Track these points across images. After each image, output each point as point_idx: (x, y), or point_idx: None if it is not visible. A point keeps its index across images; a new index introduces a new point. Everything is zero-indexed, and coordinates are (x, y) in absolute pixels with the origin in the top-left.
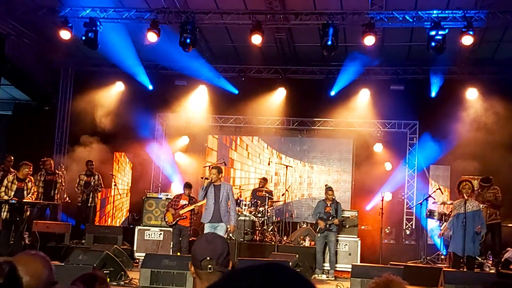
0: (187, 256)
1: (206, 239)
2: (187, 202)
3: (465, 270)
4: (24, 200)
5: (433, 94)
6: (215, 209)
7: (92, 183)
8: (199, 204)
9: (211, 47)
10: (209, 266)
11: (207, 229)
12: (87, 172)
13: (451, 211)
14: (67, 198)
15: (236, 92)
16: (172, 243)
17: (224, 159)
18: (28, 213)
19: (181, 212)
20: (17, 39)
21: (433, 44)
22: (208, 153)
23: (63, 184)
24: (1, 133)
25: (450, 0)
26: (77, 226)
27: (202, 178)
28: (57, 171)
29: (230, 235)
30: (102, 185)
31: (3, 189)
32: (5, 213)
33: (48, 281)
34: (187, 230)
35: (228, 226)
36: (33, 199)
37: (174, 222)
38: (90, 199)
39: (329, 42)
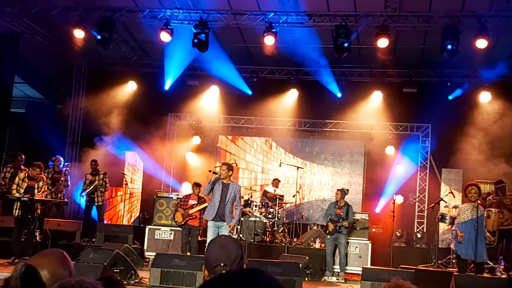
0: (197, 256)
1: (219, 244)
2: (196, 202)
3: (479, 275)
4: (36, 198)
5: (450, 97)
6: (219, 207)
7: (96, 182)
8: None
9: (223, 47)
10: (223, 271)
11: (210, 227)
12: (92, 172)
13: (458, 215)
14: (65, 198)
15: (250, 93)
16: (181, 242)
17: (235, 159)
18: (39, 211)
19: (190, 212)
20: (31, 38)
21: (449, 47)
22: (219, 153)
23: (67, 183)
24: (14, 131)
25: (465, 4)
26: (86, 224)
27: (210, 171)
28: (63, 170)
29: (241, 235)
30: (108, 184)
31: (14, 186)
32: (17, 211)
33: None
34: (197, 230)
35: (229, 225)
36: (43, 197)
37: (183, 222)
38: (96, 198)
39: (346, 44)
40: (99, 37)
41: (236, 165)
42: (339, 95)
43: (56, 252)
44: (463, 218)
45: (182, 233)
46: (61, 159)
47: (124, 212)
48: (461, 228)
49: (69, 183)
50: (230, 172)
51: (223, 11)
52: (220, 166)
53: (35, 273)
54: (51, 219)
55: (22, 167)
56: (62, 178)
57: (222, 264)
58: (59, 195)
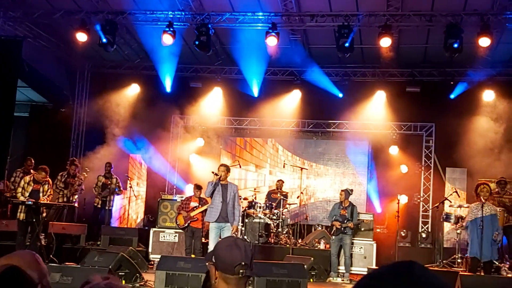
0: (201, 258)
1: (235, 244)
2: (197, 204)
3: (482, 274)
4: (41, 201)
5: (452, 96)
6: (222, 208)
7: (109, 186)
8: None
9: (226, 49)
10: (242, 271)
11: (213, 228)
12: (105, 174)
13: (467, 214)
14: (76, 203)
15: (257, 95)
16: (185, 245)
17: (239, 161)
18: (44, 214)
19: (192, 214)
20: (34, 41)
21: (456, 45)
22: (223, 155)
23: (81, 188)
24: (18, 135)
25: (467, 2)
26: (91, 227)
27: (213, 172)
28: (78, 174)
29: (245, 237)
30: (121, 188)
31: (19, 190)
32: (21, 214)
33: (36, 285)
34: (200, 231)
35: (232, 227)
36: (48, 201)
37: (186, 225)
38: (107, 202)
39: (347, 44)
40: (104, 40)
41: (240, 166)
42: (340, 95)
43: (25, 253)
44: (470, 216)
45: (185, 235)
46: (78, 164)
47: (128, 215)
48: (470, 227)
49: (83, 187)
50: (228, 173)
51: (225, 12)
52: (218, 168)
53: (21, 275)
54: (56, 222)
55: (32, 171)
56: (76, 183)
57: (242, 263)
58: (71, 199)
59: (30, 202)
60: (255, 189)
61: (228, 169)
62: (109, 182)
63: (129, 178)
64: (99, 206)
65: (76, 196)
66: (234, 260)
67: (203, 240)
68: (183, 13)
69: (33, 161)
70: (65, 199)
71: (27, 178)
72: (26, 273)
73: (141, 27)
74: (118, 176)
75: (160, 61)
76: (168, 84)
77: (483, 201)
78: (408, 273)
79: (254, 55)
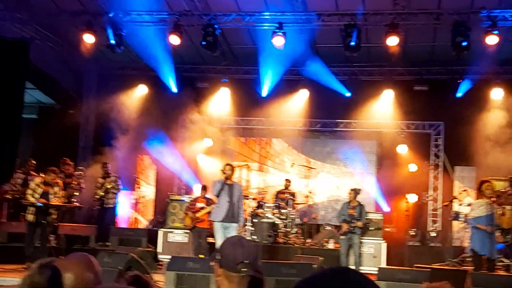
0: (210, 258)
1: (240, 243)
2: (204, 205)
3: (490, 272)
4: (50, 203)
5: (459, 94)
6: (229, 208)
7: (107, 185)
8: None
9: (232, 48)
10: (244, 269)
11: (218, 228)
12: (103, 175)
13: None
14: (75, 203)
15: (266, 94)
16: (193, 245)
17: (246, 161)
18: (54, 216)
19: (197, 215)
20: (41, 43)
21: (464, 44)
22: (231, 155)
23: (80, 187)
24: (26, 137)
25: (474, 0)
26: (99, 228)
27: (221, 170)
28: (75, 173)
29: (254, 237)
30: (118, 187)
31: (30, 191)
32: (30, 216)
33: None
34: (206, 231)
35: (238, 227)
36: (60, 203)
37: (192, 225)
38: (105, 201)
39: (353, 43)
40: (113, 41)
41: (248, 167)
42: (347, 94)
43: (82, 255)
44: (477, 213)
45: (193, 235)
46: (71, 163)
47: (137, 216)
48: (475, 223)
49: (81, 186)
50: (234, 172)
51: (231, 13)
52: (223, 167)
53: (60, 275)
54: (66, 224)
55: (32, 172)
56: (73, 183)
57: (246, 262)
58: (70, 199)
59: (40, 204)
60: (263, 189)
61: (233, 168)
62: (106, 181)
63: (137, 179)
64: (98, 207)
65: (75, 196)
66: (237, 258)
67: (210, 240)
68: (189, 14)
69: (34, 162)
70: (64, 201)
71: (38, 180)
72: (62, 278)
73: (136, 28)
74: (125, 176)
75: (164, 62)
76: (172, 84)
77: (494, 199)
78: (343, 277)
79: (267, 54)
